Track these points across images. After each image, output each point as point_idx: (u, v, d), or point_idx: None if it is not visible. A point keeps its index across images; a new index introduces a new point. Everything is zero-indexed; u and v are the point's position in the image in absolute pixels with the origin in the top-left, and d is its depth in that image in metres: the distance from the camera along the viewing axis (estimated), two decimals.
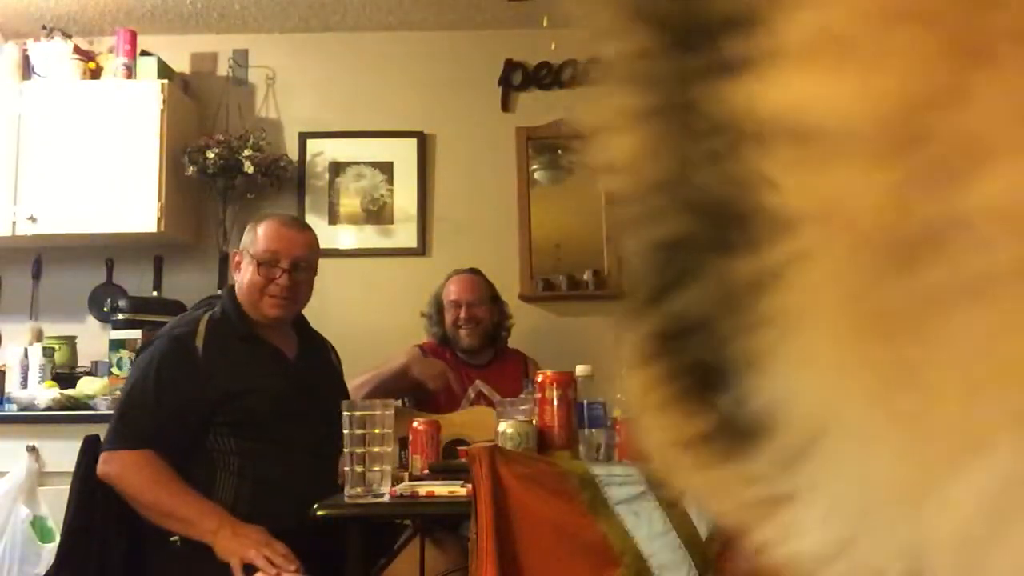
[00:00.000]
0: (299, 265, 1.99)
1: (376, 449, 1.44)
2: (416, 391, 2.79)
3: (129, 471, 1.78)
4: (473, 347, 2.80)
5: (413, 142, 3.64)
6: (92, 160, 3.24)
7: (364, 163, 3.64)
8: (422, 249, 3.60)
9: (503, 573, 1.11)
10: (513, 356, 2.93)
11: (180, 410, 1.84)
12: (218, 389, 1.87)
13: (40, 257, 3.57)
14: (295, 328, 2.11)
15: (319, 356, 2.16)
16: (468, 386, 2.70)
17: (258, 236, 2.01)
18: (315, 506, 1.40)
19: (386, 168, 3.64)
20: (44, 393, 2.97)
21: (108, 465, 1.80)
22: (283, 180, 3.53)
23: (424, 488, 1.45)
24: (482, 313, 2.81)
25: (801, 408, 0.25)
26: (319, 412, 1.98)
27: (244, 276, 1.99)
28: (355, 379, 2.57)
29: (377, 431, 1.44)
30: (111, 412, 2.06)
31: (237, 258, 2.04)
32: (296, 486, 1.85)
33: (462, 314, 2.77)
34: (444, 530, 2.04)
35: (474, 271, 2.93)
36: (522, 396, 1.79)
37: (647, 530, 1.16)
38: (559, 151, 3.69)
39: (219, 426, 1.87)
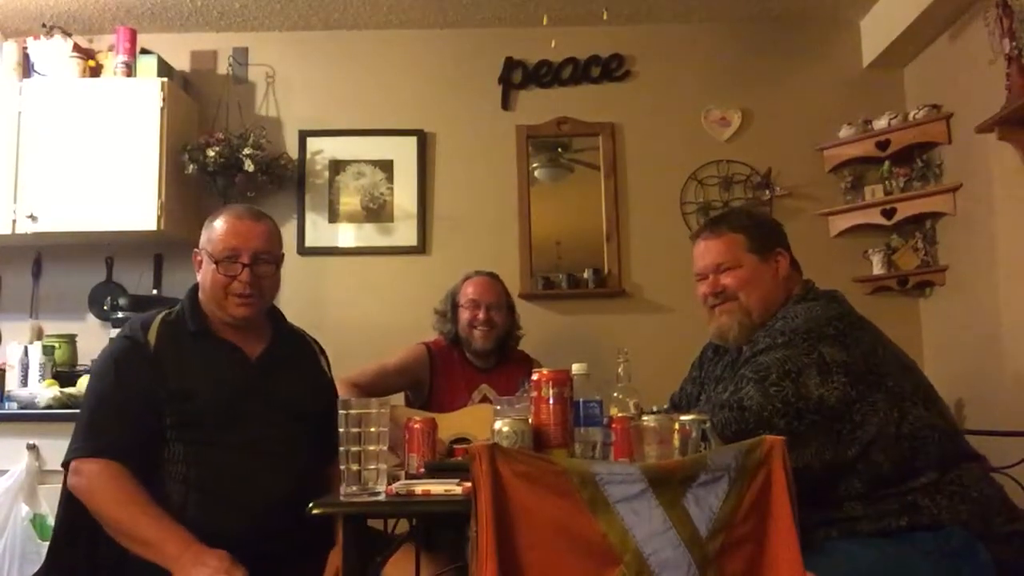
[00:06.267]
0: (260, 258, 1.88)
1: (372, 447, 1.43)
2: (415, 387, 2.79)
3: (95, 485, 1.70)
4: (486, 349, 2.78)
5: (413, 140, 3.64)
6: (92, 158, 3.23)
7: (364, 161, 3.64)
8: (422, 247, 3.59)
9: (503, 572, 1.10)
10: (519, 360, 2.90)
11: (144, 407, 1.77)
12: (169, 387, 1.78)
13: (40, 256, 3.58)
14: (272, 325, 2.01)
15: (294, 354, 2.02)
16: (474, 390, 2.70)
17: (214, 232, 1.89)
18: (311, 504, 1.38)
19: (386, 166, 3.64)
20: (44, 391, 2.98)
21: (77, 477, 1.72)
22: (283, 178, 3.53)
23: (420, 487, 1.44)
24: (499, 318, 2.79)
25: None
26: (283, 413, 1.87)
27: (206, 276, 1.89)
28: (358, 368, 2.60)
29: (373, 429, 1.43)
30: None
31: (198, 257, 1.93)
32: (250, 491, 1.77)
33: (480, 315, 2.76)
34: (440, 530, 2.04)
35: (493, 275, 2.90)
36: (518, 395, 1.78)
37: (647, 528, 1.15)
38: (559, 149, 3.69)
39: (167, 429, 1.77)
